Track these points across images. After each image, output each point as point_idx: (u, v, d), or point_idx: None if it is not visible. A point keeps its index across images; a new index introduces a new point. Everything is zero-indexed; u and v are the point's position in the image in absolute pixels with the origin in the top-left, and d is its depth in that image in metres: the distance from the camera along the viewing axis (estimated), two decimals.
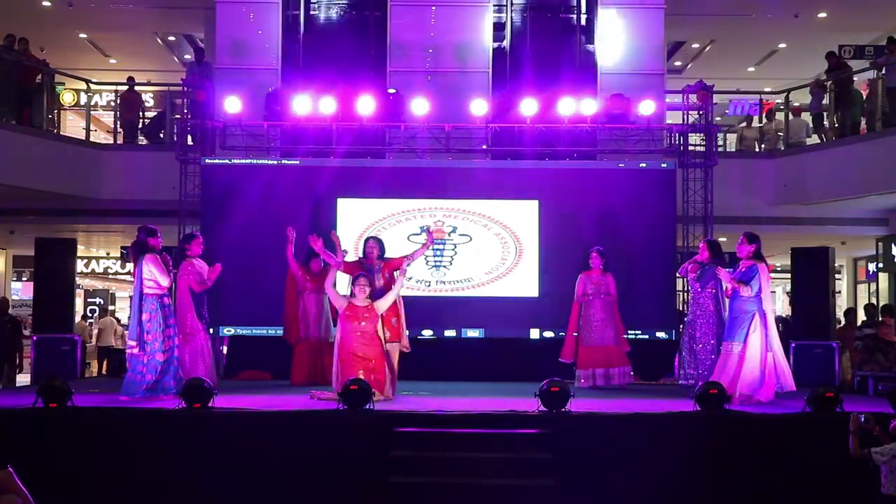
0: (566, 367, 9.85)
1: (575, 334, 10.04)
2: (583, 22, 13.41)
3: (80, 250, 16.15)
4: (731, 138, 17.21)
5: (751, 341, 8.16)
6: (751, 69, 18.75)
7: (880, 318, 11.88)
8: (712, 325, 9.08)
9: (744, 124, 15.64)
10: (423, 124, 11.66)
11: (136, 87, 15.20)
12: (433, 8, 13.29)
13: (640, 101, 11.51)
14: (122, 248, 17.12)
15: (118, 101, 15.18)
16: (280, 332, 10.39)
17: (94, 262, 21.73)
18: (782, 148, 14.41)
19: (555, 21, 13.44)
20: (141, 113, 15.15)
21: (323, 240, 8.92)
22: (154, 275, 8.18)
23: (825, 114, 14.21)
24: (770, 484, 6.98)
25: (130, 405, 7.66)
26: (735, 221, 12.70)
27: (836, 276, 15.09)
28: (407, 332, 8.90)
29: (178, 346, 8.45)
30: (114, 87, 17.00)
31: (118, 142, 14.66)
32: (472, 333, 11.23)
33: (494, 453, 6.95)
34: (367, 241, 9.17)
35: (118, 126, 14.94)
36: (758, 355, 8.14)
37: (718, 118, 16.37)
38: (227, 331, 11.24)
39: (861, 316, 12.91)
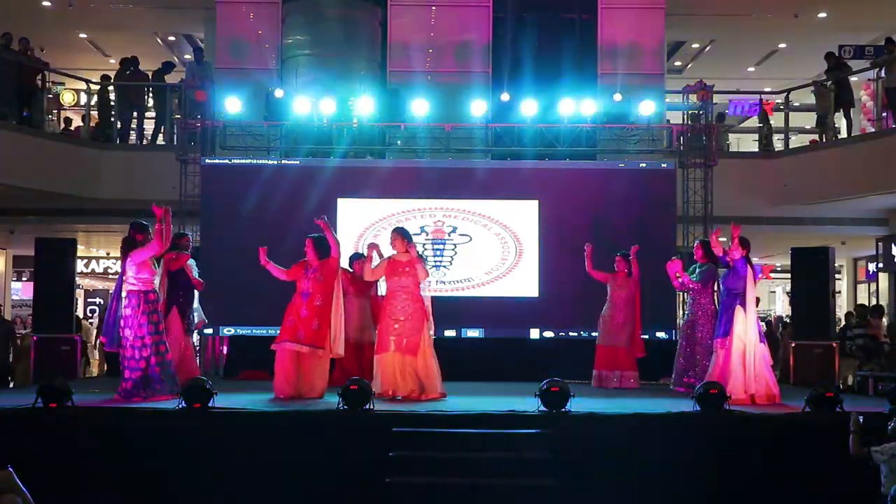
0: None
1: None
2: (583, 22, 13.40)
3: (80, 250, 16.07)
4: (732, 138, 17.20)
5: (735, 337, 8.28)
6: (751, 69, 18.72)
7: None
8: (713, 325, 9.09)
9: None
10: (424, 124, 11.66)
11: (135, 86, 14.61)
12: (433, 8, 13.29)
13: (639, 101, 11.52)
14: None
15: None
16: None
17: (94, 262, 21.67)
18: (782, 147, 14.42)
19: (555, 21, 13.43)
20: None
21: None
22: (133, 271, 7.94)
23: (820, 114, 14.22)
24: (770, 484, 6.98)
25: (130, 405, 7.65)
26: (735, 221, 12.66)
27: (836, 276, 15.04)
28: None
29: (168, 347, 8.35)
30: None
31: (118, 141, 14.59)
32: (472, 333, 11.23)
33: (494, 453, 6.95)
34: (394, 232, 8.54)
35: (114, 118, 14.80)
36: (742, 351, 8.25)
37: None
38: (227, 331, 11.25)
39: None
